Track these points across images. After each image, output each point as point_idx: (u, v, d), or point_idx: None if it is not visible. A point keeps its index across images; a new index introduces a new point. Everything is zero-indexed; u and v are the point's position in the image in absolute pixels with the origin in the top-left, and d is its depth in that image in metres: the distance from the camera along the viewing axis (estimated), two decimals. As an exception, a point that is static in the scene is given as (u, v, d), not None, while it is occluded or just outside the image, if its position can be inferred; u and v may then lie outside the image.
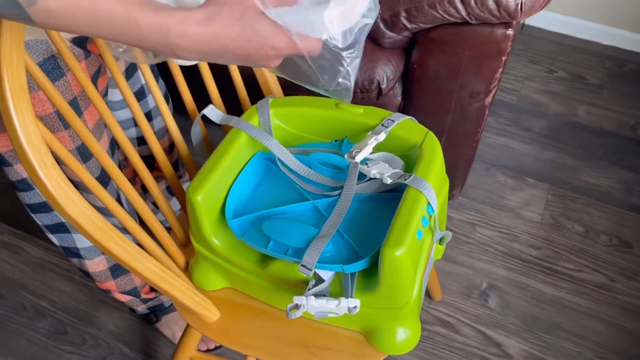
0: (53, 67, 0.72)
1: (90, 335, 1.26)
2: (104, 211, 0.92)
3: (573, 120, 1.68)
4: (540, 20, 1.95)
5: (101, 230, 0.61)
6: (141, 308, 1.18)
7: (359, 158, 0.74)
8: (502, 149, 1.61)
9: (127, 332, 1.26)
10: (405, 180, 0.71)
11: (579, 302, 1.29)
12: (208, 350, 1.22)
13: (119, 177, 0.71)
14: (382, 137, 0.76)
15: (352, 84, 0.61)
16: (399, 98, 1.18)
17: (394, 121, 0.79)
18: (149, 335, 1.26)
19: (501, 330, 1.25)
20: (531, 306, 1.28)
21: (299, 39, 0.53)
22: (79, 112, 0.78)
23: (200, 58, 0.52)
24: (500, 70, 1.06)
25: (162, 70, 1.13)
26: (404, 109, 1.20)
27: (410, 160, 0.78)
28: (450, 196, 1.40)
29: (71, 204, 0.58)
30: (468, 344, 1.23)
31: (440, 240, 0.75)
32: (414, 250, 0.67)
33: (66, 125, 0.78)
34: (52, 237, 0.94)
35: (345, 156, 0.75)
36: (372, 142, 0.75)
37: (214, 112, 0.84)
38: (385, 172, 0.73)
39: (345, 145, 0.82)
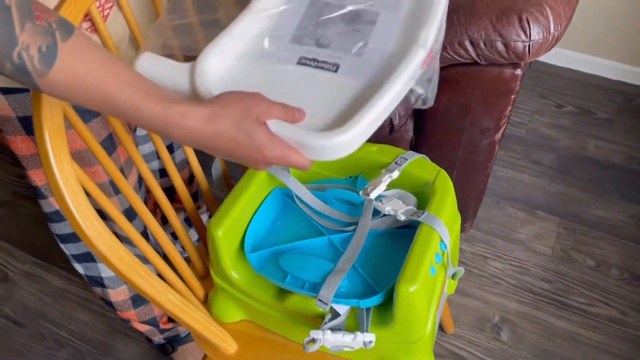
0: None
1: (107, 364, 1.28)
2: (128, 240, 0.95)
3: (582, 154, 1.70)
4: (548, 56, 1.99)
5: (127, 264, 0.64)
6: (158, 338, 1.20)
7: (373, 195, 0.76)
8: (513, 182, 1.63)
9: (143, 362, 1.28)
10: (419, 217, 0.74)
11: (591, 336, 1.29)
12: (222, 381, 1.23)
13: (144, 213, 0.74)
14: (395, 174, 0.79)
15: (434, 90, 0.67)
16: (411, 134, 1.21)
17: (406, 159, 0.82)
18: (164, 366, 1.28)
19: (514, 364, 1.25)
20: (543, 340, 1.29)
21: (290, 154, 0.56)
22: (114, 147, 0.83)
23: (192, 146, 0.55)
24: (509, 108, 1.09)
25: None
26: (415, 145, 1.23)
27: (422, 197, 0.81)
28: (462, 229, 1.41)
29: (101, 239, 0.61)
30: (481, 378, 1.24)
31: (453, 276, 0.77)
32: (427, 286, 0.69)
33: None
34: (78, 267, 0.97)
35: (360, 193, 0.78)
36: (386, 179, 0.78)
37: (234, 149, 0.88)
38: (399, 208, 0.76)
39: (359, 182, 0.85)
